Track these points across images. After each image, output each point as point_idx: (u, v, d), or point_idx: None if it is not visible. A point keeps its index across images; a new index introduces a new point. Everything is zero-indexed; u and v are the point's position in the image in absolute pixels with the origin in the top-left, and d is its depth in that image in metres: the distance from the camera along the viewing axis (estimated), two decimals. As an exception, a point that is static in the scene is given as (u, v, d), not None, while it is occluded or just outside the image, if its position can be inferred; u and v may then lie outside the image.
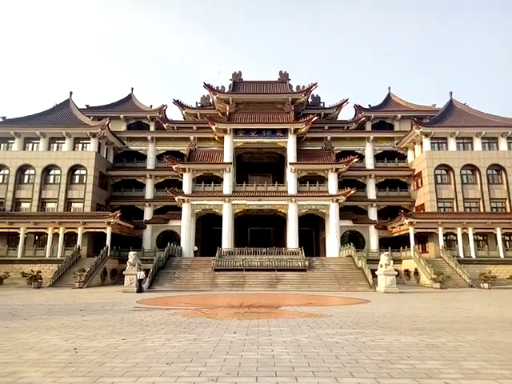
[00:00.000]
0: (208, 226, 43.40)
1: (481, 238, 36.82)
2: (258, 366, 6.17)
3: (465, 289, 28.66)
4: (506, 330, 9.97)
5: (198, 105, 48.71)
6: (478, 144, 39.98)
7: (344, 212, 39.97)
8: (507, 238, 36.45)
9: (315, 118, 40.99)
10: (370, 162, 44.13)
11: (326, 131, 44.73)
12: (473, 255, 34.70)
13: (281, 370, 5.88)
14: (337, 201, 38.20)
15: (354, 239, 40.07)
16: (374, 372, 5.78)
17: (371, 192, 43.06)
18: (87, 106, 48.35)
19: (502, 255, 34.53)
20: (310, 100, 47.83)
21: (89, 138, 40.89)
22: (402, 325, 10.72)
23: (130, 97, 50.55)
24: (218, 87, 44.18)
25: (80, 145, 41.50)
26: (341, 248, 36.72)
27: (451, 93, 44.39)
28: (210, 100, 46.77)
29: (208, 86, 43.20)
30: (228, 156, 39.98)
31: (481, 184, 38.80)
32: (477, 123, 40.24)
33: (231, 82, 47.11)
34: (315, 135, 43.87)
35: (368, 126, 46.50)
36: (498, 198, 38.69)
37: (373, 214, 42.17)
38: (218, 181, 39.97)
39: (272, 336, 8.86)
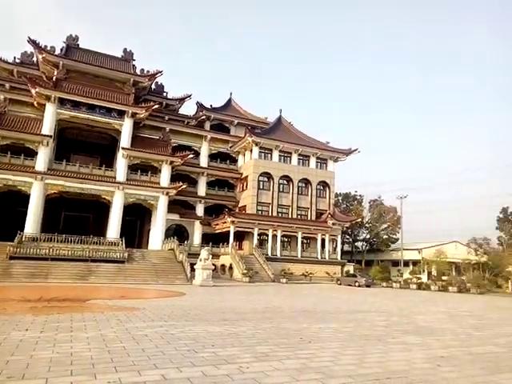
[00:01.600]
0: (10, 205, 36.54)
1: (286, 239, 42.72)
2: (51, 365, 5.48)
3: (268, 283, 32.66)
4: (294, 318, 11.76)
5: (17, 60, 40.73)
6: (294, 159, 46.30)
7: (172, 205, 40.02)
8: (305, 241, 43.43)
9: (157, 106, 39.85)
10: (204, 161, 45.62)
11: (166, 122, 44.03)
12: (278, 254, 39.99)
13: (78, 368, 5.36)
14: (167, 194, 37.94)
15: (179, 233, 40.59)
16: (178, 362, 5.89)
17: (201, 189, 44.57)
18: None
19: (299, 255, 40.97)
20: (153, 87, 46.23)
21: None
22: (212, 316, 11.37)
23: None
24: (46, 46, 37.95)
25: None
26: (165, 241, 36.58)
27: (281, 110, 50.21)
28: (34, 59, 39.76)
29: (33, 42, 36.62)
30: (48, 127, 34.68)
31: (292, 193, 45.09)
32: (296, 141, 46.60)
33: (65, 44, 41.22)
34: (154, 124, 42.59)
35: (207, 126, 48.02)
36: (303, 206, 45.69)
37: (200, 210, 43.71)
38: (31, 154, 34.16)
39: (73, 332, 8.04)
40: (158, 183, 38.08)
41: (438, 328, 10.89)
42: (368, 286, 34.25)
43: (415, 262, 48.69)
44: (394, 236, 55.31)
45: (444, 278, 38.49)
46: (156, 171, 38.82)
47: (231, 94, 53.76)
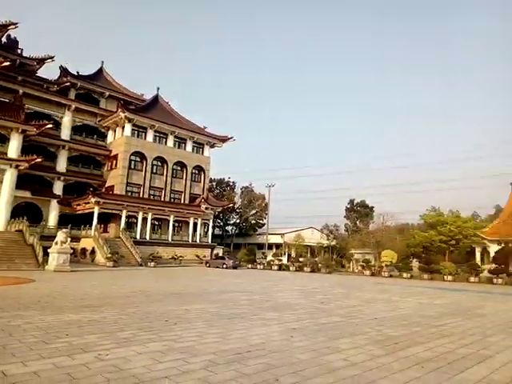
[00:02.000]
0: None
1: (157, 222, 41.55)
2: None
3: (135, 267, 31.37)
4: (161, 301, 11.57)
5: None
6: (170, 140, 45.00)
7: (23, 181, 34.72)
8: (177, 225, 43.00)
9: (7, 63, 33.57)
10: (66, 133, 40.72)
11: (20, 84, 37.64)
12: (147, 237, 38.67)
13: None
14: (17, 167, 32.68)
15: (31, 213, 35.43)
16: (23, 355, 5.19)
17: (61, 164, 39.83)
18: None
19: (170, 239, 40.39)
20: (4, 40, 38.82)
21: None
22: (68, 303, 10.34)
23: None
24: None
25: None
26: (11, 221, 31.53)
27: (158, 88, 48.07)
28: None
29: None
30: None
31: (166, 176, 43.88)
32: (173, 123, 45.31)
33: None
34: (3, 84, 35.99)
35: (72, 94, 42.77)
36: (177, 190, 44.97)
37: (58, 188, 39.08)
38: None
39: None
40: (6, 154, 32.49)
41: (293, 304, 12.12)
42: (235, 268, 35.95)
43: (278, 246, 53.22)
44: (261, 221, 59.27)
45: (301, 259, 43.00)
46: (3, 140, 33.00)
47: (103, 62, 49.08)
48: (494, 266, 30.27)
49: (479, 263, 33.92)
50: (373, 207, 59.92)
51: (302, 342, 6.70)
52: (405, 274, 32.21)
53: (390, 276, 32.69)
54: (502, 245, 34.02)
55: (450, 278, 29.76)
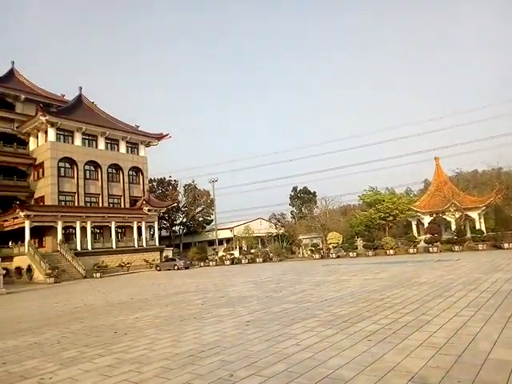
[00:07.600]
0: None
1: (98, 230, 39.47)
2: None
3: (79, 280, 29.62)
4: (108, 313, 11.01)
5: None
6: (102, 143, 42.67)
7: None
8: (120, 231, 41.22)
9: None
10: (-21, 144, 37.00)
11: None
12: (89, 247, 36.61)
13: None
14: None
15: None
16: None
17: (-18, 179, 36.19)
18: None
19: (114, 246, 38.62)
20: None
21: None
22: (4, 329, 9.48)
23: None
24: None
25: None
26: None
27: (81, 88, 45.29)
28: None
29: None
30: None
31: (101, 180, 41.68)
32: (102, 123, 42.96)
33: None
34: None
35: (-20, 100, 38.84)
36: (115, 194, 42.99)
37: (-19, 205, 35.55)
38: None
39: None
40: None
41: (247, 296, 12.17)
42: (187, 268, 35.36)
43: (228, 240, 53.08)
44: (209, 218, 58.60)
45: (252, 251, 43.33)
46: None
47: (13, 63, 44.88)
48: (428, 236, 32.78)
49: (416, 235, 36.55)
50: (315, 192, 61.84)
51: (256, 333, 6.74)
52: (351, 254, 33.78)
53: (338, 257, 34.12)
54: (434, 216, 36.96)
55: (391, 251, 31.72)
